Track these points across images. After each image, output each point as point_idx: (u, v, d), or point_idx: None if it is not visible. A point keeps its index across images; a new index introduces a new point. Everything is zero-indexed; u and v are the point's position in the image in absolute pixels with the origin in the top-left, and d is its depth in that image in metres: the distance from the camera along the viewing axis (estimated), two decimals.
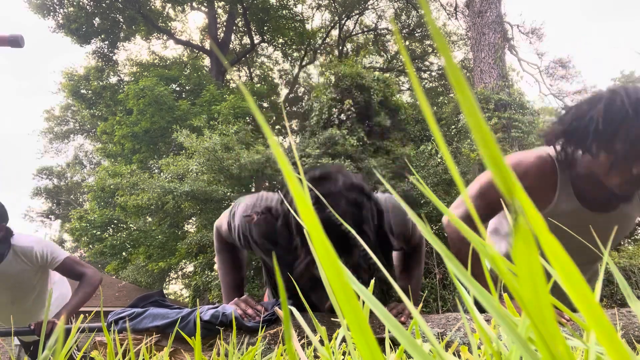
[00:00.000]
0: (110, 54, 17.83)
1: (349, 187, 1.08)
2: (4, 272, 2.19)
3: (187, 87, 16.81)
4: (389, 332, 0.56)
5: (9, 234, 2.19)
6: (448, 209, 0.22)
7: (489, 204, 1.32)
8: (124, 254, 13.31)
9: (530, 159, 1.28)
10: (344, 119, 10.01)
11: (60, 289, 2.52)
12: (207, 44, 19.33)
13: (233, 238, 1.34)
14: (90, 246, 13.21)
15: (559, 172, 1.28)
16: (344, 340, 0.73)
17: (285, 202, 1.11)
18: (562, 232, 1.20)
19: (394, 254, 1.47)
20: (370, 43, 20.11)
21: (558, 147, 1.26)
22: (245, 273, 1.49)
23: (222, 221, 1.42)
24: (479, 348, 0.50)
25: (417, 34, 18.91)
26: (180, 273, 15.94)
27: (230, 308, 1.18)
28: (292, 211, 0.87)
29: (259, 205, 1.25)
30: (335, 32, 19.99)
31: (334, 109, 10.14)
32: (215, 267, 12.04)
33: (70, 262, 2.28)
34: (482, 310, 1.29)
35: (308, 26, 19.38)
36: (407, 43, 18.79)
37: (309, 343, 0.94)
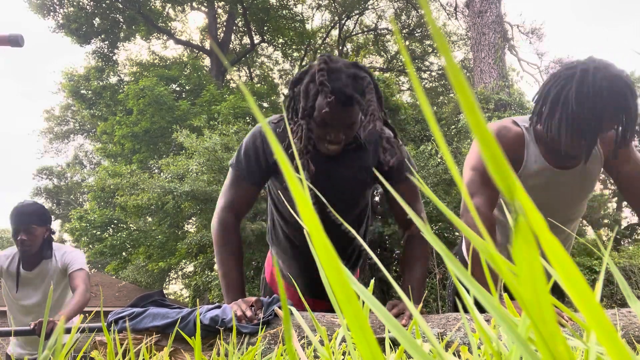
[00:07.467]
0: (110, 54, 17.82)
1: (349, 65, 1.27)
2: (45, 270, 2.39)
3: (187, 87, 16.79)
4: (389, 332, 0.56)
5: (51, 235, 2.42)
6: (450, 212, 0.22)
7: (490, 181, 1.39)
8: (124, 254, 13.30)
9: (494, 127, 1.49)
10: None
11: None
12: (207, 44, 19.32)
13: (243, 171, 1.43)
14: (90, 246, 13.21)
15: (525, 134, 1.47)
16: (344, 340, 0.73)
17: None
18: (535, 193, 1.42)
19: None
20: (370, 43, 20.10)
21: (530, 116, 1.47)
22: (244, 273, 1.48)
23: (220, 199, 1.48)
24: (479, 348, 0.50)
25: (417, 34, 18.90)
26: (180, 273, 15.92)
27: (231, 312, 1.17)
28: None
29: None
30: (335, 32, 19.99)
31: None
32: (216, 267, 12.03)
33: (80, 274, 2.38)
34: (482, 310, 1.29)
35: (308, 26, 19.38)
36: (407, 43, 18.79)
37: (309, 343, 0.94)
